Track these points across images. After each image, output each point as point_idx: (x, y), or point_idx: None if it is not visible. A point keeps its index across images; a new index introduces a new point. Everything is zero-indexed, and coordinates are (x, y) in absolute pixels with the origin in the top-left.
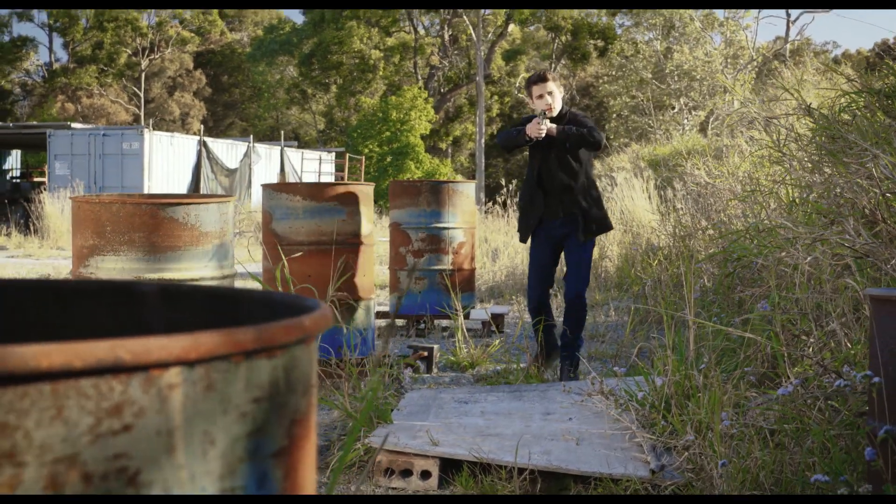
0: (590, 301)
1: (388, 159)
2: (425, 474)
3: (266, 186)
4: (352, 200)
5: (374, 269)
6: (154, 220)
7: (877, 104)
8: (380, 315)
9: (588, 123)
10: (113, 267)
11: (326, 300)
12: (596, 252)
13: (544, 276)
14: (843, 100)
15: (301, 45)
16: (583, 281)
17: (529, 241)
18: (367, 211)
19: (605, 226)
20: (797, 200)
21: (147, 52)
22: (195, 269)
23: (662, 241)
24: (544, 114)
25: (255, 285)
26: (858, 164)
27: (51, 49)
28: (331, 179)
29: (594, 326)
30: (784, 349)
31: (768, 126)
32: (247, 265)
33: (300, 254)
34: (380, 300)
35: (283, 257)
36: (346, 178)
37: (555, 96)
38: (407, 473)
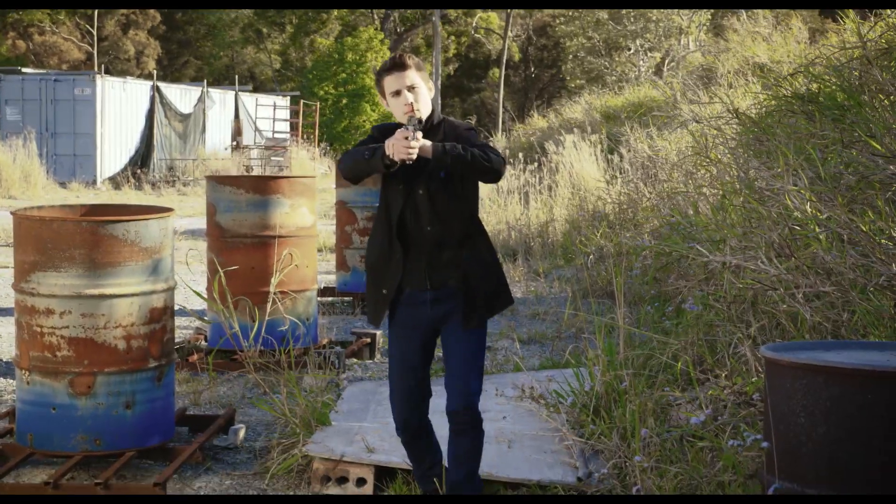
0: (533, 272)
1: (344, 101)
2: (360, 481)
3: (210, 178)
4: (295, 192)
5: (316, 258)
6: (94, 237)
7: (800, 109)
8: (326, 291)
9: (476, 140)
10: (55, 283)
11: (270, 291)
12: (543, 216)
13: (415, 382)
14: (771, 103)
15: None
16: (471, 386)
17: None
18: (309, 203)
19: (501, 302)
20: (725, 198)
21: None
22: (135, 284)
23: (608, 208)
24: (419, 122)
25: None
26: (770, 193)
27: None
28: (285, 126)
29: (536, 302)
30: (706, 358)
31: (699, 121)
32: (202, 218)
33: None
34: (329, 266)
35: (221, 271)
36: (300, 125)
37: (419, 93)
38: (343, 481)
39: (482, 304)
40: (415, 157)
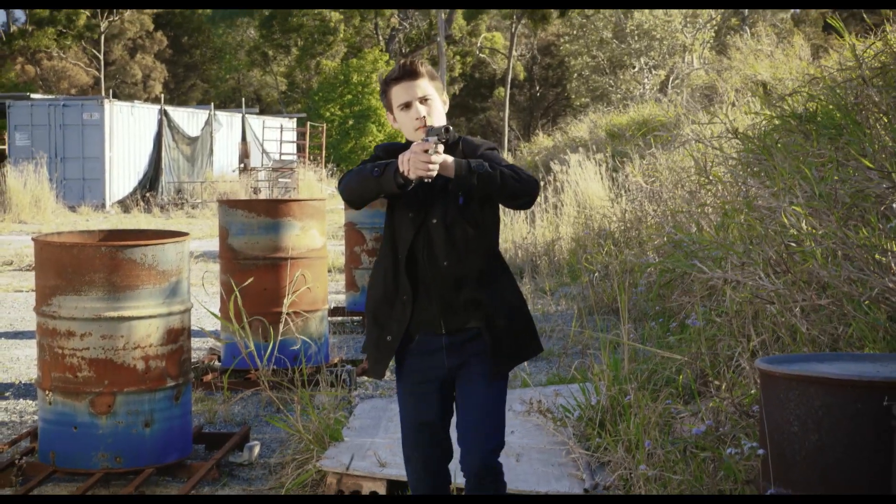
0: (540, 290)
1: (350, 122)
2: (373, 496)
3: (222, 202)
4: (305, 215)
5: (326, 279)
6: (113, 262)
7: (797, 128)
8: (336, 311)
9: (501, 159)
10: (75, 306)
11: (282, 312)
12: (549, 234)
13: (433, 445)
14: (771, 123)
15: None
16: (491, 443)
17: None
18: (319, 225)
19: (530, 349)
20: (727, 216)
21: (106, 13)
22: (153, 306)
23: (613, 226)
24: (444, 132)
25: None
26: (768, 211)
27: (8, 11)
28: (292, 148)
29: (542, 319)
30: (708, 372)
31: (700, 141)
32: (212, 240)
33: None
34: (339, 286)
35: (236, 290)
36: (307, 146)
37: (433, 106)
38: (356, 495)
39: (508, 352)
40: (434, 174)
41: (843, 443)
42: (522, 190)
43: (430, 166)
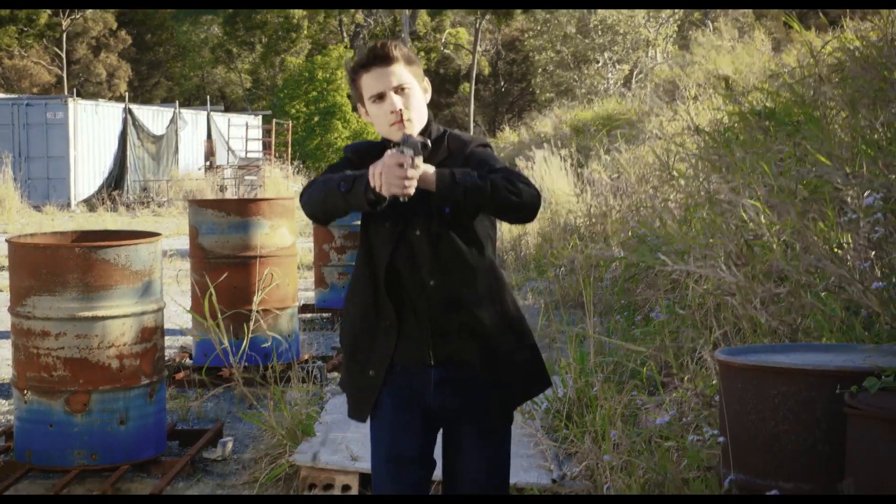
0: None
1: (315, 119)
2: (345, 488)
3: (192, 202)
4: (275, 214)
5: (296, 276)
6: (87, 262)
7: (756, 124)
8: (306, 308)
9: (495, 162)
10: (50, 306)
11: (252, 310)
12: (516, 230)
13: (412, 481)
14: (732, 118)
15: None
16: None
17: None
18: (288, 223)
19: (537, 385)
20: (690, 210)
21: (68, 11)
22: (127, 305)
23: (579, 221)
24: (423, 146)
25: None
26: (728, 204)
27: None
28: (258, 146)
29: None
30: (672, 364)
31: (662, 138)
32: (178, 238)
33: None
34: (308, 284)
35: (212, 287)
36: (272, 143)
37: (411, 95)
38: (328, 488)
39: (511, 389)
40: (412, 191)
41: (798, 430)
42: (519, 204)
43: (407, 182)
